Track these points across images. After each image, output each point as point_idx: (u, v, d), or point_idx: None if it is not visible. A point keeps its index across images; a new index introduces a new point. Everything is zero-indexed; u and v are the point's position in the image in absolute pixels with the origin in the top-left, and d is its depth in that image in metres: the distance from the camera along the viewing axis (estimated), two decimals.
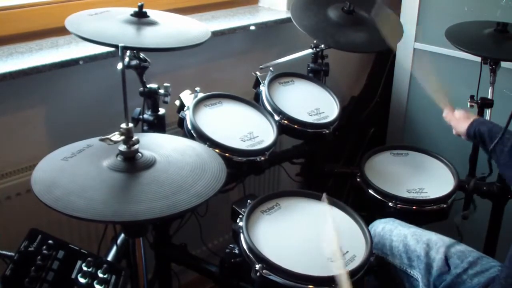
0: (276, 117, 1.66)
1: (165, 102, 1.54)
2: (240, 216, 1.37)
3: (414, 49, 2.39)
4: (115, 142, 1.04)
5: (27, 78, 1.51)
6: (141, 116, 1.55)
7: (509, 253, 1.16)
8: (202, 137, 1.47)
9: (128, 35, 1.42)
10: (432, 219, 1.67)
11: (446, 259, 1.35)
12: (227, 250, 1.42)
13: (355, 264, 1.28)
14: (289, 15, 1.93)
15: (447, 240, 1.42)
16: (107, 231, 1.49)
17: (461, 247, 1.40)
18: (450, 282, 1.33)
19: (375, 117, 2.63)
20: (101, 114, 1.69)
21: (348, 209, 1.46)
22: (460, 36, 1.83)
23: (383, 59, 2.60)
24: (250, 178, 2.08)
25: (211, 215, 1.70)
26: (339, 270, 1.14)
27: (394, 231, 1.48)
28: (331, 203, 1.49)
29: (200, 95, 1.61)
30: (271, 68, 1.79)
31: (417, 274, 1.40)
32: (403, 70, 2.47)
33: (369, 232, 1.38)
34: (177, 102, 1.61)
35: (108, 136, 1.04)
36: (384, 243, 1.47)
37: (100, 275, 1.09)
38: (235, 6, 2.22)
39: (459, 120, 1.61)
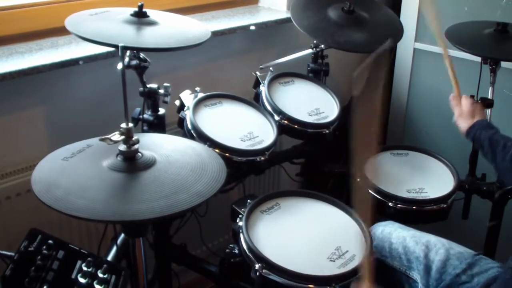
0: (276, 117, 1.66)
1: (165, 102, 1.54)
2: (240, 216, 1.37)
3: (414, 49, 2.39)
4: (115, 142, 1.05)
5: (27, 78, 1.51)
6: (141, 116, 1.55)
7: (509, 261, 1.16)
8: (202, 137, 1.47)
9: (128, 35, 1.42)
10: (432, 219, 1.67)
11: (445, 261, 1.35)
12: (227, 250, 1.42)
13: (355, 264, 1.28)
14: (289, 15, 1.93)
15: (446, 242, 1.42)
16: (107, 231, 1.49)
17: (460, 249, 1.40)
18: (450, 282, 1.33)
19: None
20: (101, 114, 1.69)
21: (348, 209, 1.46)
22: (460, 36, 1.83)
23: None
24: (250, 178, 2.08)
25: (211, 215, 1.70)
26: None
27: (393, 234, 1.48)
28: (332, 202, 1.49)
29: (200, 95, 1.61)
30: (271, 68, 1.79)
31: (416, 275, 1.40)
32: (403, 70, 2.47)
33: (369, 232, 1.38)
34: (177, 102, 1.61)
35: (108, 136, 1.04)
36: (383, 245, 1.47)
37: (100, 275, 1.09)
38: (235, 6, 2.22)
39: (462, 115, 1.59)
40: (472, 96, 1.79)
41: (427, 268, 1.37)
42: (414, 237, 1.44)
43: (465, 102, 1.62)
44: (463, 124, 1.57)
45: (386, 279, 1.49)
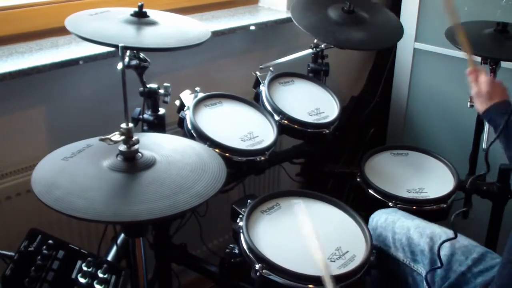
0: (276, 117, 1.66)
1: (165, 102, 1.54)
2: (240, 216, 1.37)
3: (414, 49, 2.39)
4: (115, 142, 1.05)
5: (27, 78, 1.51)
6: (141, 116, 1.55)
7: (505, 254, 1.15)
8: (202, 137, 1.47)
9: (128, 35, 1.42)
10: (432, 219, 1.66)
11: (451, 255, 1.34)
12: (227, 250, 1.42)
13: (355, 264, 1.28)
14: (289, 15, 1.93)
15: (451, 233, 1.40)
16: (107, 231, 1.49)
17: (465, 242, 1.38)
18: (454, 280, 1.32)
19: (375, 117, 2.63)
20: (101, 114, 1.69)
21: (348, 209, 1.46)
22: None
23: (383, 59, 2.60)
24: (250, 178, 2.08)
25: (211, 215, 1.70)
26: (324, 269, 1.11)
27: (397, 223, 1.47)
28: (332, 202, 1.49)
29: (200, 95, 1.61)
30: (271, 68, 1.79)
31: (421, 269, 1.39)
32: (403, 70, 2.47)
33: (369, 232, 1.38)
34: (177, 102, 1.61)
35: (108, 136, 1.04)
36: (387, 235, 1.46)
37: (100, 275, 1.09)
38: (235, 6, 2.22)
39: (480, 95, 1.50)
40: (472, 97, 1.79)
41: (432, 263, 1.36)
42: (418, 228, 1.43)
43: (484, 81, 1.50)
44: (480, 105, 1.50)
45: (390, 270, 1.48)
